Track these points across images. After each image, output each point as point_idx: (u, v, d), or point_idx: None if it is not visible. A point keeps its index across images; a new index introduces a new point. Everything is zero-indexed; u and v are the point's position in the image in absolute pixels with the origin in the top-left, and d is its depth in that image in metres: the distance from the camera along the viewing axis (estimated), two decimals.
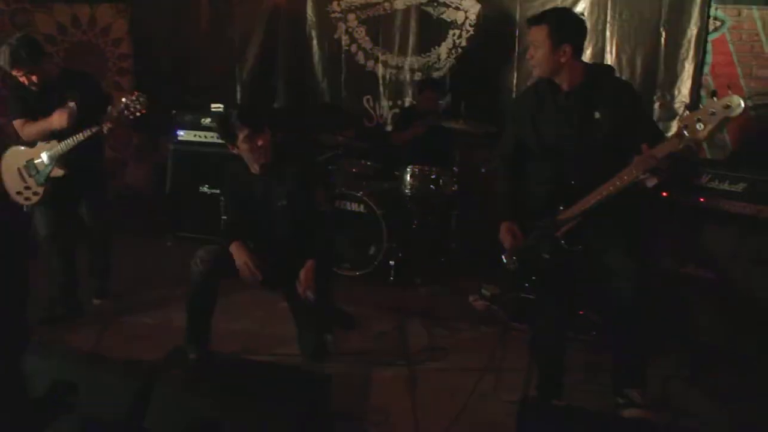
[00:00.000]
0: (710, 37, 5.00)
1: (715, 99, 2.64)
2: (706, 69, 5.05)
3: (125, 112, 3.96)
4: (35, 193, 4.22)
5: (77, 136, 3.99)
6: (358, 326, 4.31)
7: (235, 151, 3.66)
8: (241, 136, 3.54)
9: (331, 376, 3.38)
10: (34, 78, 3.97)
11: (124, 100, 3.99)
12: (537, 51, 3.04)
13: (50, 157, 4.13)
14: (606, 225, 3.05)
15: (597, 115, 2.99)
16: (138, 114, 4.00)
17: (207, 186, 6.01)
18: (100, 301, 4.60)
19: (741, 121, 4.67)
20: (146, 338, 4.14)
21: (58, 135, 4.08)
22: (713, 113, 2.61)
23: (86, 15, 6.18)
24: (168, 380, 2.94)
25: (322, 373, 3.50)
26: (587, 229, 3.03)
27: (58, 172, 4.15)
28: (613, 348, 3.27)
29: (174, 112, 6.14)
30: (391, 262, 5.25)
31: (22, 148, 4.23)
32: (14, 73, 3.97)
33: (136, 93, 4.02)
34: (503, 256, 3.33)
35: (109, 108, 4.06)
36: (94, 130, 3.97)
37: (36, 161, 4.18)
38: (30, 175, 4.21)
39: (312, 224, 3.72)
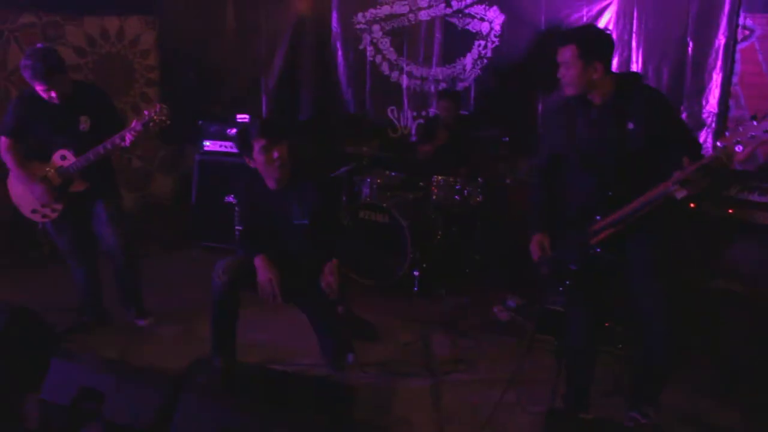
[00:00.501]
0: (738, 47, 4.94)
1: (755, 122, 2.60)
2: (735, 78, 4.99)
3: (151, 124, 3.93)
4: (54, 210, 4.15)
5: (98, 149, 3.94)
6: (380, 336, 4.29)
7: (251, 165, 3.61)
8: (257, 147, 3.50)
9: (355, 388, 3.38)
10: (53, 93, 3.91)
11: (146, 112, 3.96)
12: (568, 70, 3.03)
13: (61, 173, 4.06)
14: (639, 237, 3.03)
15: (630, 125, 2.97)
16: (162, 126, 3.98)
17: (233, 196, 6.05)
18: (145, 322, 4.50)
19: None
20: (172, 347, 4.16)
21: (72, 146, 4.03)
22: (753, 136, 2.58)
23: (115, 27, 6.26)
24: (193, 389, 2.95)
25: (345, 384, 3.50)
26: (621, 239, 3.02)
27: (79, 187, 4.11)
28: (635, 362, 3.30)
29: (200, 123, 6.20)
30: (416, 273, 5.24)
31: (39, 163, 4.10)
32: (37, 87, 3.91)
33: (158, 105, 3.99)
34: (537, 264, 3.32)
35: (133, 122, 3.96)
36: (117, 142, 3.91)
37: (50, 177, 4.08)
38: (48, 191, 4.09)
39: (331, 237, 3.71)
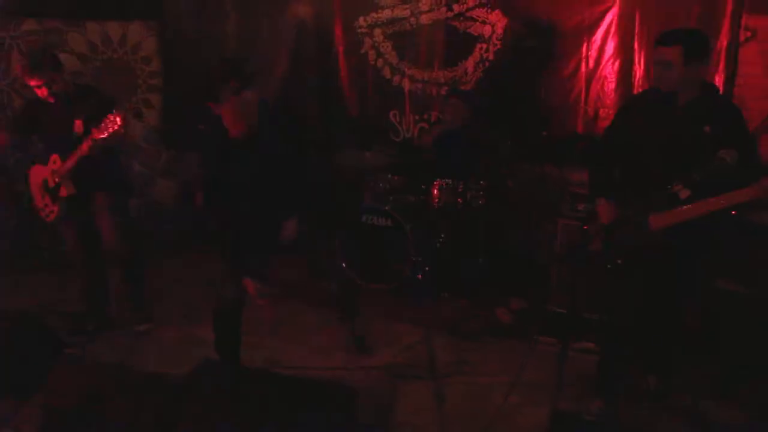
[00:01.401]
0: (741, 48, 4.93)
1: None
2: (737, 80, 4.98)
3: (104, 133, 3.83)
4: (51, 212, 4.23)
5: (74, 153, 3.96)
6: (368, 347, 4.25)
7: (216, 111, 3.36)
8: (227, 90, 3.27)
9: (358, 390, 3.38)
10: (44, 90, 3.97)
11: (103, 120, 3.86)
12: (667, 70, 3.13)
13: (54, 175, 4.13)
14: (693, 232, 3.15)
15: (708, 129, 3.09)
16: (115, 132, 3.85)
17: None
18: (143, 327, 4.50)
19: None
20: (173, 351, 4.16)
21: (63, 151, 4.06)
22: None
23: (117, 33, 6.27)
24: (197, 393, 2.95)
25: (348, 387, 3.49)
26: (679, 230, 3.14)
27: (67, 191, 4.13)
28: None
29: (202, 128, 6.20)
30: (418, 276, 5.23)
31: (41, 166, 4.22)
32: (31, 83, 3.97)
33: (116, 114, 3.87)
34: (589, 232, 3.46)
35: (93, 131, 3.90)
36: (83, 149, 3.91)
37: (48, 179, 4.18)
38: (45, 193, 4.21)
39: (295, 190, 3.61)
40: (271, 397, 3.38)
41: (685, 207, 3.07)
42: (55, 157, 4.12)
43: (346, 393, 3.39)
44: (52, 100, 4.04)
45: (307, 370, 3.91)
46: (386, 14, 6.20)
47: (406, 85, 6.26)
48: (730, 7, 4.91)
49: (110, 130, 3.82)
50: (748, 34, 4.90)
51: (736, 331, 3.87)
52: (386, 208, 5.25)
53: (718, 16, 4.98)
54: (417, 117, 6.30)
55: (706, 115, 3.12)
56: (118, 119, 3.81)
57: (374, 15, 6.23)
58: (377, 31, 6.25)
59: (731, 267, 3.92)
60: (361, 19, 6.26)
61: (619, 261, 3.31)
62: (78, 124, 4.04)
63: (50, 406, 3.07)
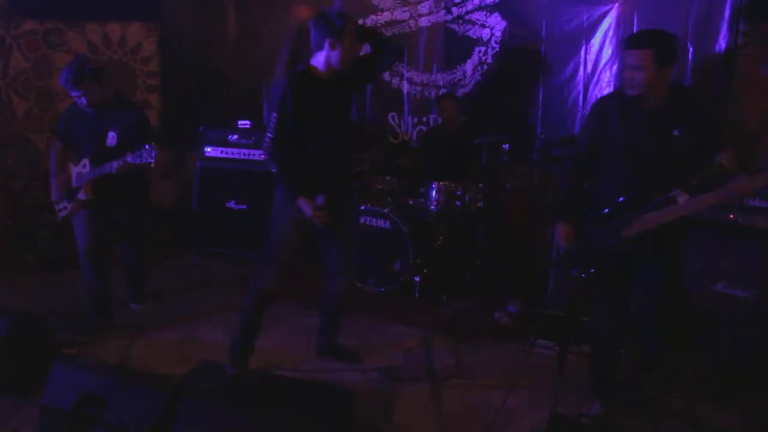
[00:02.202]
0: (740, 51, 4.95)
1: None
2: (736, 84, 5.00)
3: (137, 160, 3.97)
4: (65, 208, 4.37)
5: (104, 166, 4.11)
6: (361, 359, 4.20)
7: (327, 46, 3.46)
8: (347, 32, 3.46)
9: (356, 393, 3.39)
10: (89, 100, 4.14)
11: (140, 149, 3.98)
12: (639, 73, 3.10)
13: (78, 178, 4.30)
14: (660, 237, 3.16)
15: (676, 132, 3.11)
16: (146, 163, 3.97)
17: (234, 202, 6.08)
18: (139, 307, 4.83)
19: None
20: (172, 352, 4.16)
21: (94, 158, 4.21)
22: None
23: (117, 34, 6.28)
24: (196, 394, 2.95)
25: (347, 389, 3.50)
26: (650, 239, 3.15)
27: (84, 197, 4.27)
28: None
29: (201, 129, 6.23)
30: (417, 278, 5.25)
31: (73, 165, 4.37)
32: (71, 93, 4.14)
33: (152, 147, 3.99)
34: (559, 250, 3.49)
35: (127, 155, 4.04)
36: (114, 167, 4.05)
37: (72, 179, 4.35)
38: (65, 191, 4.37)
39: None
40: (269, 399, 3.40)
41: (654, 213, 3.07)
42: (85, 161, 4.27)
43: (345, 395, 3.40)
44: (90, 111, 4.23)
45: (305, 372, 3.91)
46: (386, 17, 6.22)
47: (405, 87, 6.28)
48: (728, 11, 4.94)
49: (144, 160, 3.96)
50: (746, 38, 4.92)
51: (734, 334, 3.89)
52: (385, 210, 5.26)
53: (716, 19, 5.00)
54: (416, 119, 6.32)
55: (673, 117, 3.12)
56: (153, 153, 3.96)
57: (373, 17, 6.26)
58: None
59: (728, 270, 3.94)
60: (360, 21, 6.27)
61: (592, 270, 3.30)
62: (111, 136, 4.23)
63: (49, 405, 3.08)
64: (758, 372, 3.79)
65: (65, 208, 4.37)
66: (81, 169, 4.29)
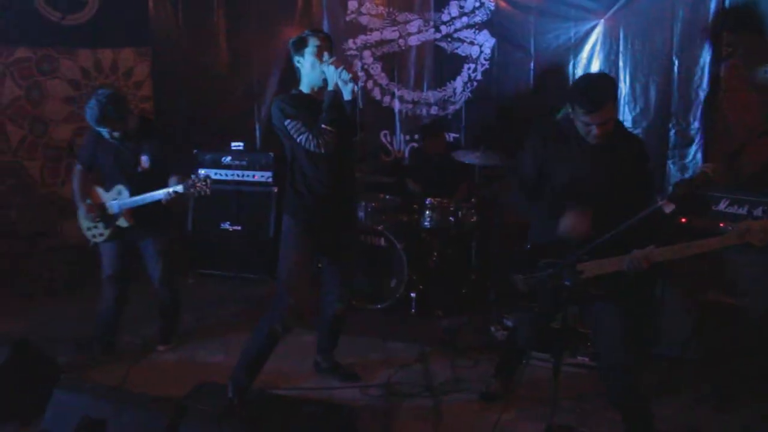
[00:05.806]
0: (723, 64, 5.03)
1: None
2: (721, 95, 5.07)
3: (191, 189, 4.00)
4: (101, 234, 4.30)
5: (153, 194, 4.08)
6: (358, 378, 4.20)
7: (299, 62, 3.58)
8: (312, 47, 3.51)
9: (356, 409, 3.41)
10: (116, 134, 4.11)
11: (193, 178, 4.05)
12: (609, 124, 3.07)
13: (120, 207, 4.22)
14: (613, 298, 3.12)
15: (618, 167, 3.11)
16: (201, 194, 4.02)
17: (229, 223, 6.11)
18: (164, 348, 4.61)
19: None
20: (170, 375, 4.17)
21: (132, 184, 4.18)
22: None
23: (109, 59, 6.33)
24: (196, 415, 2.97)
25: (346, 406, 3.52)
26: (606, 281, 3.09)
27: (126, 223, 4.24)
28: None
29: (195, 151, 6.28)
30: (412, 294, 5.27)
31: (100, 190, 4.33)
32: (99, 130, 4.10)
33: (206, 177, 4.08)
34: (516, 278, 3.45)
35: (174, 180, 4.14)
36: (162, 197, 4.04)
37: (107, 206, 4.27)
38: (100, 217, 4.28)
39: None
40: (269, 418, 3.41)
41: (614, 258, 2.98)
42: (121, 188, 4.22)
43: (347, 413, 3.42)
44: (117, 142, 4.17)
45: (304, 391, 3.93)
46: (375, 36, 6.28)
47: (396, 105, 6.34)
48: (711, 24, 5.03)
49: (198, 188, 3.99)
50: (729, 49, 5.00)
51: (731, 343, 3.91)
52: (379, 227, 5.29)
53: (701, 31, 5.09)
54: (407, 137, 6.37)
55: (616, 153, 3.12)
56: (209, 181, 4.00)
57: (363, 37, 6.32)
58: (366, 53, 6.33)
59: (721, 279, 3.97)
60: (350, 41, 6.35)
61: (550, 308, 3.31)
62: (144, 160, 4.20)
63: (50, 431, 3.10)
64: (752, 380, 3.81)
65: (101, 234, 4.30)
66: (115, 195, 4.24)
